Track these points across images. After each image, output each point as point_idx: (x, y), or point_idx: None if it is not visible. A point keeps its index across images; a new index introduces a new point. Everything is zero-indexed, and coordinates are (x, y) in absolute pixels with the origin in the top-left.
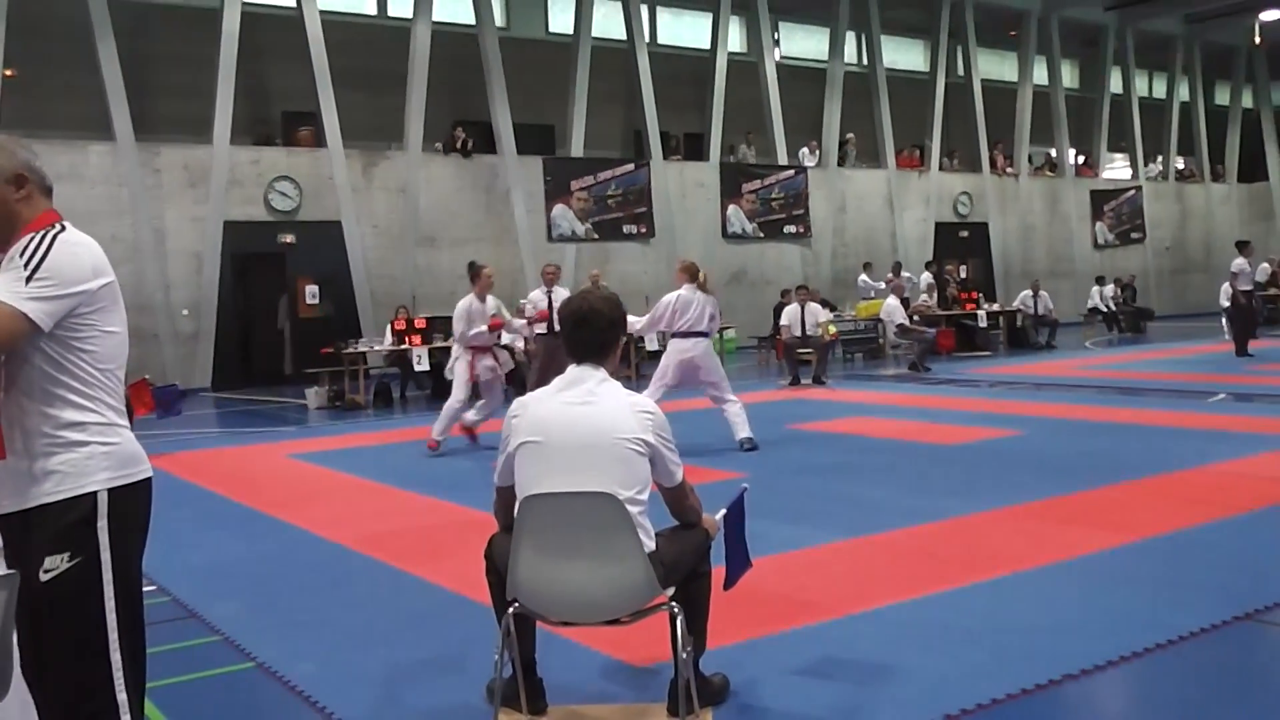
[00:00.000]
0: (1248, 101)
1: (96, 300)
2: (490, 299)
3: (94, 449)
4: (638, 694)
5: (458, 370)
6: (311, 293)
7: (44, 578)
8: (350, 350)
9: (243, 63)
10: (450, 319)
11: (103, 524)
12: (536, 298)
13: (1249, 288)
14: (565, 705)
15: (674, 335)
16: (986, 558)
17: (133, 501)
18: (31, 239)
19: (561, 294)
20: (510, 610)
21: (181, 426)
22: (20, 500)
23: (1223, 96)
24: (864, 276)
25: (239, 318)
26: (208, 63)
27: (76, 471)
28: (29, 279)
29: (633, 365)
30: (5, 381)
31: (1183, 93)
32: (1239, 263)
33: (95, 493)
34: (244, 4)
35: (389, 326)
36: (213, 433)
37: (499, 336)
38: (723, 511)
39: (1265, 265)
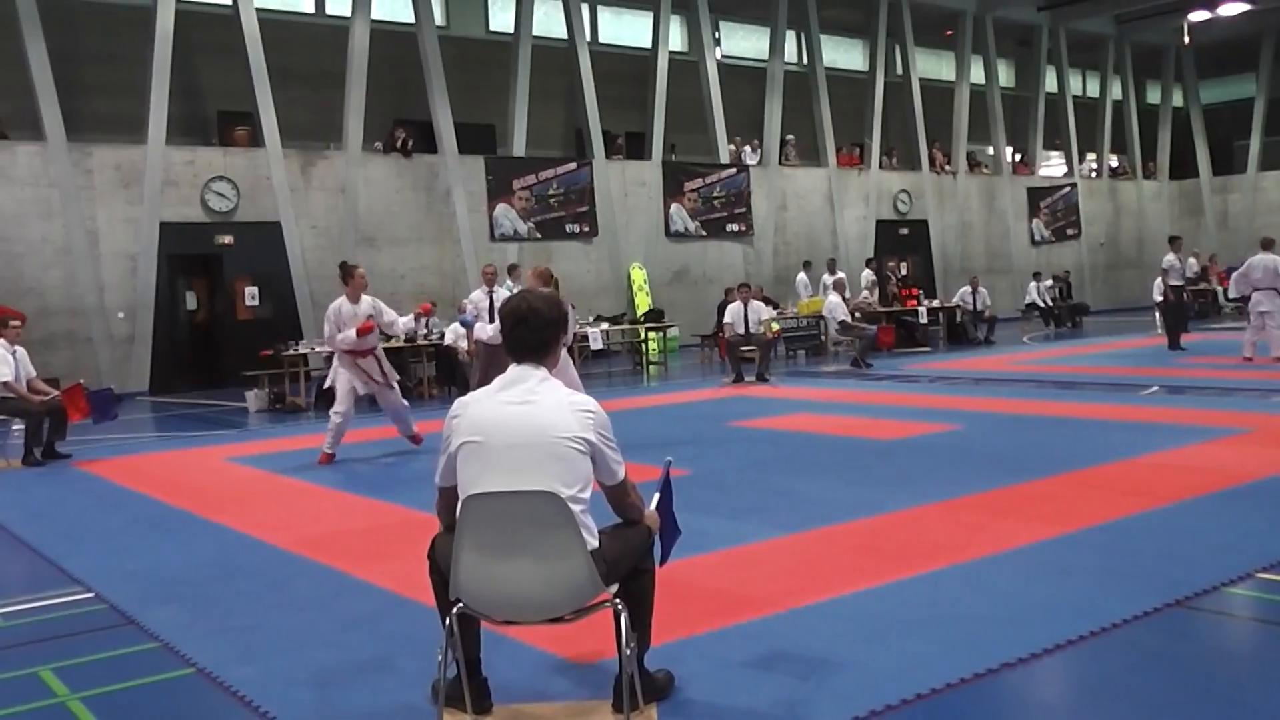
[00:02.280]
0: (1178, 100)
1: None
2: (366, 300)
3: None
4: (582, 691)
5: (338, 382)
6: (250, 294)
7: None
8: (290, 352)
9: (177, 61)
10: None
11: None
12: (477, 298)
13: (1180, 283)
14: (510, 704)
15: None
16: (926, 550)
17: None
18: None
19: (503, 294)
20: (454, 610)
21: (118, 431)
22: None
23: (1153, 95)
24: (802, 274)
25: (174, 320)
26: (141, 61)
27: None
28: None
29: (575, 364)
30: None
31: (1115, 91)
32: (1170, 259)
33: None
34: (178, 1)
35: None
36: (150, 437)
37: (374, 340)
38: (656, 497)
39: (1192, 260)
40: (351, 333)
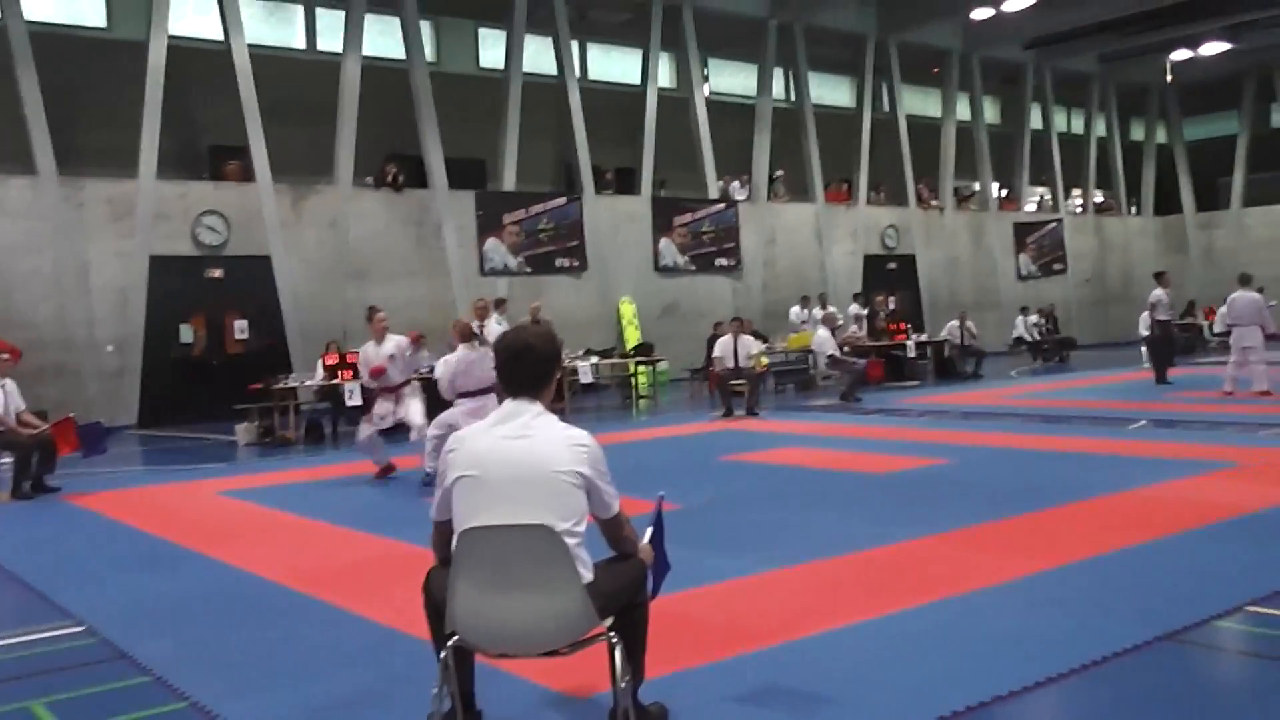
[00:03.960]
0: (1162, 137)
1: None
2: (391, 340)
3: None
4: None
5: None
6: (240, 327)
7: None
8: (280, 386)
9: (169, 95)
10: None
11: None
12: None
13: (1166, 317)
14: None
15: (460, 396)
16: (917, 584)
17: None
18: None
19: (494, 328)
20: (449, 643)
21: (108, 465)
22: None
23: (1138, 132)
24: (796, 308)
25: (164, 353)
26: (133, 95)
27: None
28: None
29: (565, 399)
30: None
31: (1100, 128)
32: (1157, 293)
33: None
34: (170, 36)
35: (320, 361)
36: (140, 470)
37: (394, 378)
38: (649, 531)
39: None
40: (365, 373)
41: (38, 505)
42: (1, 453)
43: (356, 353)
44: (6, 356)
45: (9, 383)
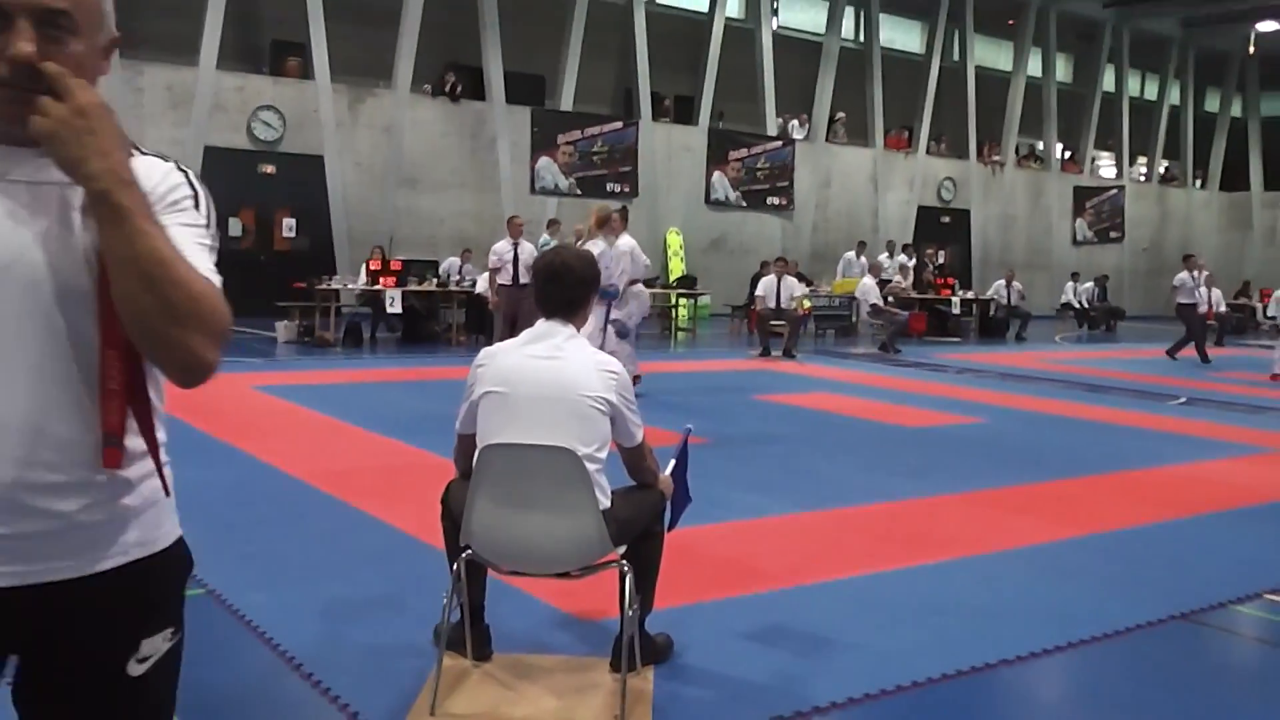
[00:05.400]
0: (1236, 110)
1: None
2: (525, 245)
3: (169, 476)
4: (582, 647)
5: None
6: (288, 225)
7: (138, 670)
8: (323, 286)
9: None
10: (427, 263)
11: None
12: (502, 249)
13: (1190, 301)
14: (510, 654)
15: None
16: (937, 540)
17: None
18: (170, 169)
19: (528, 248)
20: (462, 556)
21: None
22: (83, 559)
23: (1212, 103)
24: (850, 254)
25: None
26: None
27: (161, 511)
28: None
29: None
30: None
31: (1173, 96)
32: (1181, 276)
33: (181, 537)
34: None
35: (364, 266)
36: None
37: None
38: (671, 464)
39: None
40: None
41: None
42: None
43: (400, 261)
44: None
45: None
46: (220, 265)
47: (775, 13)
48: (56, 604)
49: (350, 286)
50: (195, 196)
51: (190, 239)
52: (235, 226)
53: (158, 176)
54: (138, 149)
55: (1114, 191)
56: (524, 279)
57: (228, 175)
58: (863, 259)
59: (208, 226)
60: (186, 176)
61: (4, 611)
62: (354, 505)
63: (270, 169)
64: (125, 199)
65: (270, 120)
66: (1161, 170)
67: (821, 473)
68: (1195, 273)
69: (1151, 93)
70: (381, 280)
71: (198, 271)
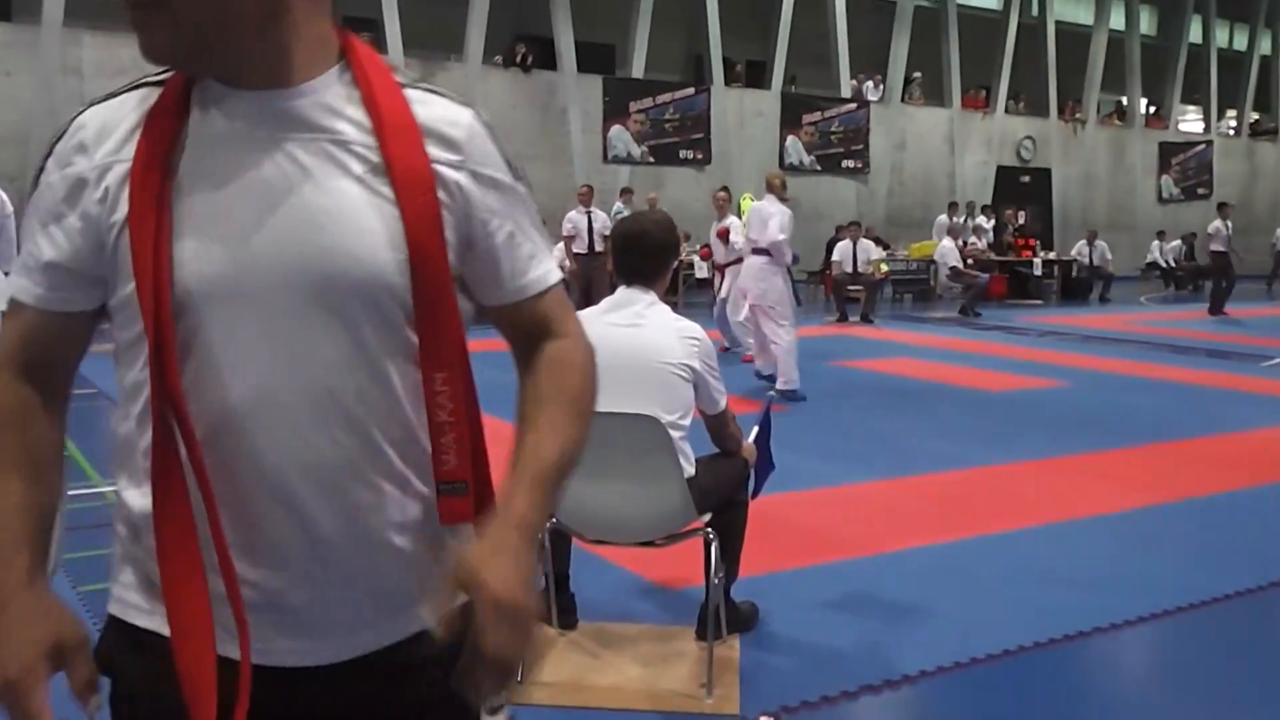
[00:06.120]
0: None
1: None
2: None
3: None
4: (667, 616)
5: None
6: None
7: None
8: None
9: None
10: None
11: None
12: (575, 219)
13: (1223, 249)
14: (595, 622)
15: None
16: (1020, 507)
17: None
18: (473, 124)
19: (601, 215)
20: (548, 525)
21: None
22: (383, 629)
23: None
24: (943, 217)
25: None
26: None
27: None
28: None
29: (680, 291)
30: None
31: (1264, 46)
32: (1215, 224)
33: None
34: None
35: None
36: None
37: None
38: (755, 431)
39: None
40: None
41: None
42: None
43: None
44: None
45: None
46: None
47: None
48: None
49: None
50: (507, 161)
51: (526, 242)
52: None
53: (462, 133)
54: (409, 84)
55: (1201, 147)
56: (599, 247)
57: None
58: (955, 220)
59: (529, 196)
60: (491, 133)
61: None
62: None
63: None
64: (532, 535)
65: None
66: (1251, 124)
67: (901, 439)
68: (1228, 221)
69: (1241, 43)
70: None
71: (566, 394)
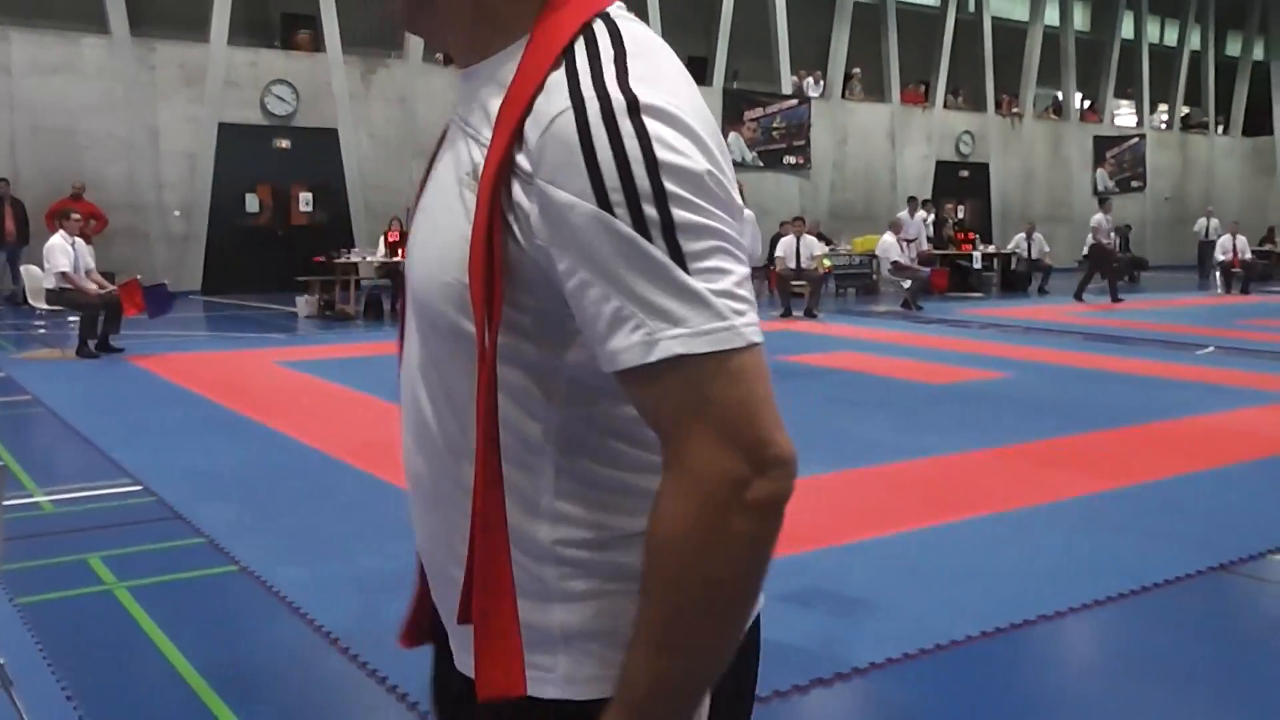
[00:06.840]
0: (1259, 53)
1: None
2: None
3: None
4: None
5: None
6: (305, 199)
7: None
8: (342, 260)
9: None
10: None
11: None
12: None
13: (1107, 241)
14: None
15: None
16: (969, 497)
17: None
18: (568, 123)
19: None
20: None
21: (171, 329)
22: (464, 660)
23: (1234, 47)
24: (904, 213)
25: (229, 221)
26: None
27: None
28: (675, 236)
29: None
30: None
31: (1194, 41)
32: (1097, 218)
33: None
34: None
35: (382, 238)
36: (202, 336)
37: None
38: None
39: (1208, 220)
40: None
41: (102, 364)
42: (68, 311)
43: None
44: (77, 216)
45: (79, 242)
46: (237, 242)
47: None
48: None
49: (369, 259)
50: (624, 182)
51: (606, 300)
52: (252, 202)
53: (536, 133)
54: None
55: (1135, 140)
56: None
57: (242, 151)
58: (918, 214)
59: (636, 238)
60: (589, 136)
61: None
62: (383, 478)
63: (285, 143)
64: None
65: (283, 94)
66: (1182, 117)
67: (849, 432)
68: (1108, 216)
69: (1171, 38)
70: (400, 252)
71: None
